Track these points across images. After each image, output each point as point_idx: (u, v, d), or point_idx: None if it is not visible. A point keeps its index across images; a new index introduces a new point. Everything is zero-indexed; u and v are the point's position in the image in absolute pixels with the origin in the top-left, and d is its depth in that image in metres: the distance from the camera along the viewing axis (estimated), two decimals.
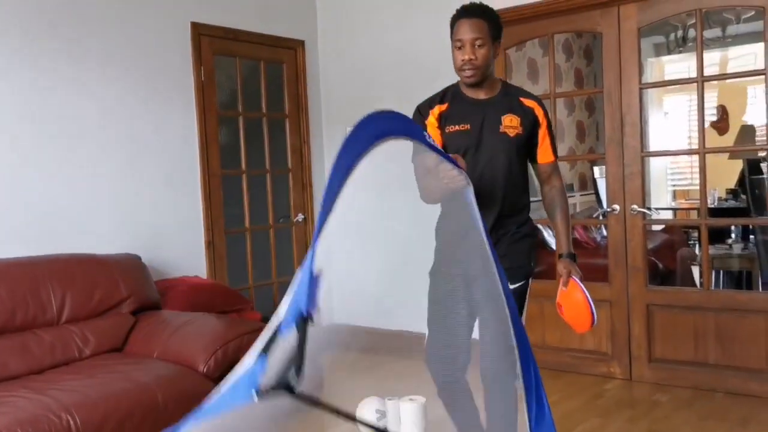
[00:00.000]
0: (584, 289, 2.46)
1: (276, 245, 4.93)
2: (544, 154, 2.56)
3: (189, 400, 2.84)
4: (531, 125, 2.51)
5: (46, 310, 3.21)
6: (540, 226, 5.51)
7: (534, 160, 2.58)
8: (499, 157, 2.46)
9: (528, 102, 2.52)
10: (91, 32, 3.81)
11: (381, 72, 4.91)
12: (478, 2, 2.50)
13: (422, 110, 2.53)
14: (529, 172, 2.62)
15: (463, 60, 2.42)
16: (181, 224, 4.26)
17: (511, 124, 2.48)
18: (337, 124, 5.16)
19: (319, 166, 5.20)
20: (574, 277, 2.48)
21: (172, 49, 4.22)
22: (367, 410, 3.39)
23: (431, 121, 2.49)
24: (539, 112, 2.53)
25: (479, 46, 2.40)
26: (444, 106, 2.51)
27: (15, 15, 3.49)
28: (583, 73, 7.50)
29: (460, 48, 2.43)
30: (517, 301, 2.33)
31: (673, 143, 8.01)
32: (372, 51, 4.95)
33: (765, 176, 5.05)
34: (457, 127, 2.47)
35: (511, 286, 2.28)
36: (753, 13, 4.69)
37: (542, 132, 2.53)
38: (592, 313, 2.47)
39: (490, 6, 2.50)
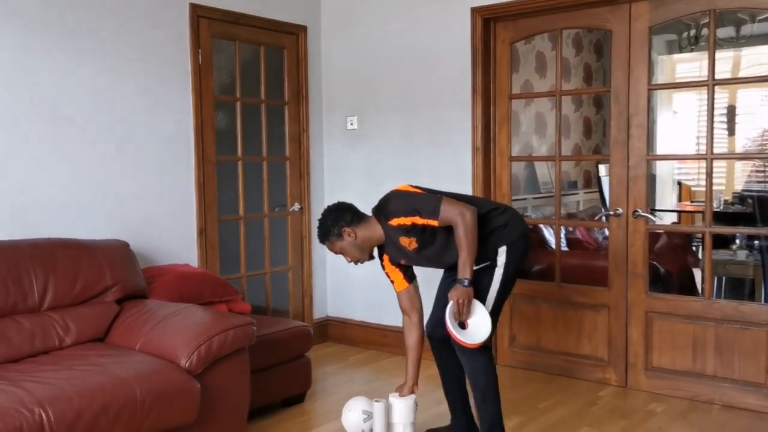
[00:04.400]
0: (448, 324, 2.85)
1: (270, 235, 4.83)
2: (432, 223, 2.93)
3: (169, 396, 2.78)
4: (410, 229, 2.96)
5: (27, 297, 3.12)
6: (541, 226, 5.41)
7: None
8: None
9: (393, 222, 2.97)
10: (83, 12, 3.69)
11: (384, 60, 4.79)
12: (318, 225, 3.08)
13: None
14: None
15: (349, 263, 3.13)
16: (172, 211, 4.16)
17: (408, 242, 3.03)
18: (338, 113, 5.05)
19: (318, 156, 5.09)
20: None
21: (169, 31, 4.10)
22: (354, 411, 3.33)
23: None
24: (401, 221, 2.95)
25: (340, 253, 3.06)
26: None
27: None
28: (593, 68, 7.36)
29: None
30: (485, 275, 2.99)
31: (682, 142, 7.88)
32: (375, 39, 4.82)
33: None
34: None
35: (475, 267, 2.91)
36: None
37: (415, 222, 2.93)
38: (460, 340, 2.87)
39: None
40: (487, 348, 2.99)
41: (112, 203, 3.85)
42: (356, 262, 3.06)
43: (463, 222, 2.84)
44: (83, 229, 3.65)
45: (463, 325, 2.91)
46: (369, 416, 3.32)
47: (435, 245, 3.01)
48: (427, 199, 2.95)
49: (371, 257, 3.12)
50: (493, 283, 3.00)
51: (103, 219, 3.79)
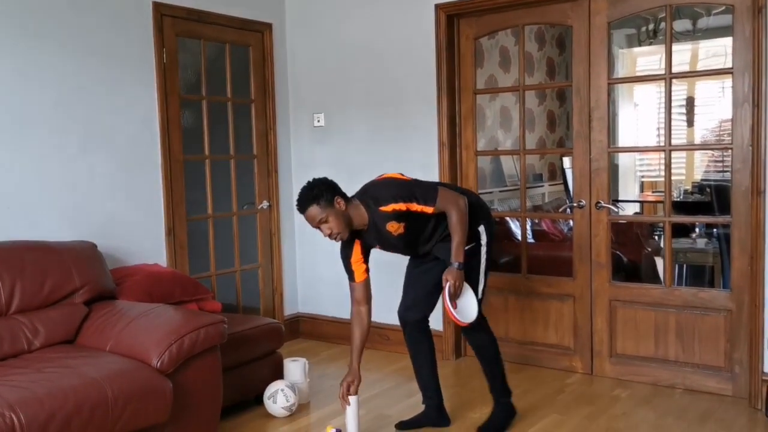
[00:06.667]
0: (447, 303, 3.02)
1: (239, 233, 4.84)
2: (426, 210, 3.00)
3: (141, 396, 2.78)
4: (402, 214, 2.99)
5: None
6: (507, 219, 5.50)
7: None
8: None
9: (387, 208, 2.97)
10: (47, 10, 3.65)
11: (349, 57, 4.82)
12: (303, 191, 2.97)
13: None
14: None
15: (326, 236, 2.96)
16: (140, 211, 4.14)
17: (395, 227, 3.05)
18: (305, 110, 5.07)
19: (285, 153, 5.10)
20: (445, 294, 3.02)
21: (132, 30, 4.07)
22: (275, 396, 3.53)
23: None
24: (397, 206, 2.96)
25: (324, 222, 2.91)
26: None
27: None
28: (555, 62, 7.48)
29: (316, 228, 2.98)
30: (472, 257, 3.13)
31: (643, 134, 8.05)
32: (340, 36, 4.85)
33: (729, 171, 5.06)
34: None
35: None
36: (723, 8, 4.68)
37: (410, 208, 2.97)
38: (456, 318, 3.06)
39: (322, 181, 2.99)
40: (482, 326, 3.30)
41: (78, 204, 3.82)
42: (335, 237, 2.95)
43: (457, 209, 2.97)
44: (49, 230, 3.62)
45: (454, 306, 3.09)
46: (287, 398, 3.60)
47: (419, 232, 3.10)
48: (425, 186, 3.05)
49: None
50: (482, 263, 3.18)
51: (69, 220, 3.76)
